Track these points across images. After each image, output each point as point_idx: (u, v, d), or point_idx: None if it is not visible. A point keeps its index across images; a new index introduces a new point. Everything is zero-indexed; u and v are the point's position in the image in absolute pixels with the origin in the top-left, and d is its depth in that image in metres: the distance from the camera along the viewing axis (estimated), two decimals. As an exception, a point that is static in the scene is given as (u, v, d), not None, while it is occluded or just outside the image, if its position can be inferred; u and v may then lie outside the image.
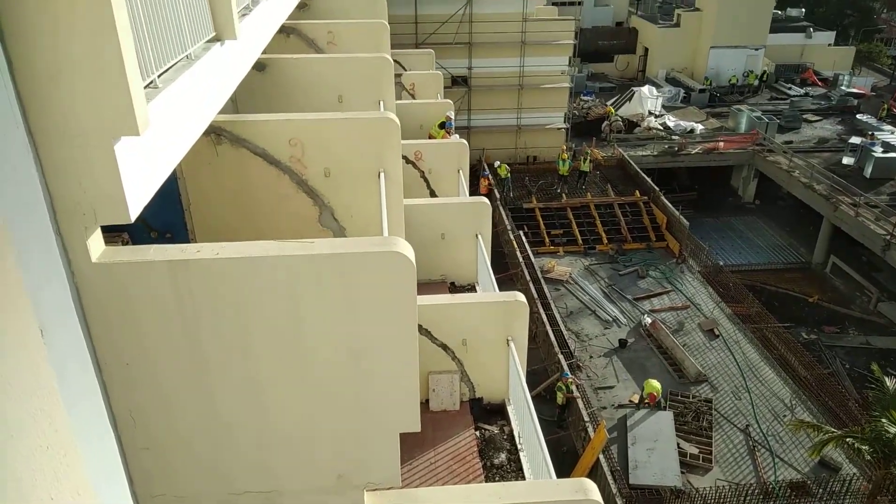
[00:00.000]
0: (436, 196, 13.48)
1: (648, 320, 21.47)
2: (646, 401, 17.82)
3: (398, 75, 15.95)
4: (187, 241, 6.79)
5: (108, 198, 3.59)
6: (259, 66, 8.88)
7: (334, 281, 4.32)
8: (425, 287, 11.38)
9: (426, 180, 13.56)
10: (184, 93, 4.59)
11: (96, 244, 3.88)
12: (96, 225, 3.75)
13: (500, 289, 11.27)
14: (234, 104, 8.66)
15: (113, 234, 6.19)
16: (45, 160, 3.42)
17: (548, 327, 19.86)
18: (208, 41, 5.56)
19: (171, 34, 4.57)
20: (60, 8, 3.20)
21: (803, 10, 56.55)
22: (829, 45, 49.10)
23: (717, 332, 21.35)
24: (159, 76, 4.33)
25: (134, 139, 3.64)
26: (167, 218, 6.64)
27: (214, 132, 6.43)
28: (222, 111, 6.11)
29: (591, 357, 20.42)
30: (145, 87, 3.93)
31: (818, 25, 50.60)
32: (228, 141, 6.54)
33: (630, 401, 18.35)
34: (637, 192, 28.76)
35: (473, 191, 19.12)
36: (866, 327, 24.66)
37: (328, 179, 7.21)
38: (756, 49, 43.48)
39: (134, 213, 3.72)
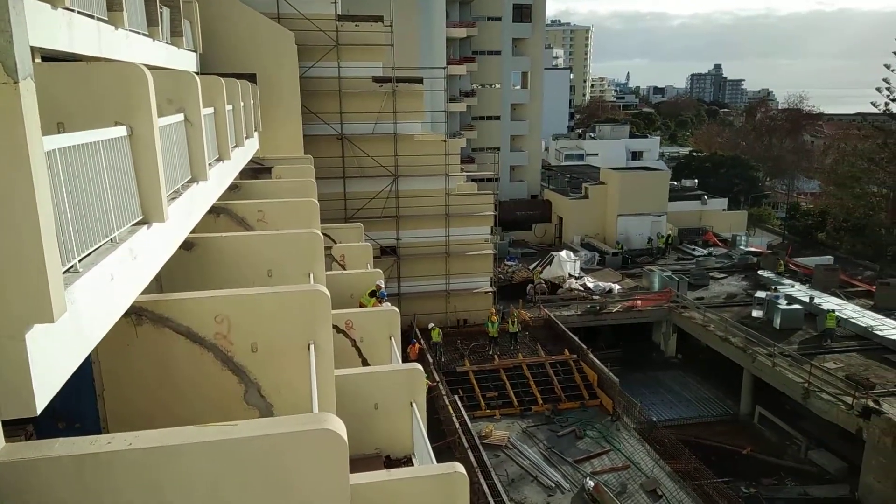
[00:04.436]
0: (368, 365, 13.24)
1: (591, 484, 20.85)
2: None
3: (328, 248, 16.29)
4: (99, 432, 6.30)
5: (14, 391, 3.35)
6: (187, 245, 8.91)
7: (260, 466, 4.05)
8: (359, 463, 10.77)
9: (358, 349, 13.36)
10: (105, 276, 4.51)
11: (-7, 442, 3.55)
12: (-4, 420, 3.46)
13: (438, 459, 10.79)
14: (159, 283, 8.54)
15: (15, 426, 5.69)
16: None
17: (490, 499, 18.89)
18: (135, 224, 5.59)
19: (96, 219, 4.59)
20: (-18, 198, 3.19)
21: (696, 180, 63.17)
22: (724, 209, 54.45)
23: (659, 492, 20.87)
24: (80, 260, 4.27)
25: (47, 326, 3.50)
26: (77, 406, 6.18)
27: (135, 313, 6.25)
28: (145, 291, 6.00)
29: (536, 529, 19.35)
30: (64, 272, 3.86)
31: (711, 193, 56.33)
32: (150, 321, 6.35)
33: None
34: (566, 350, 29.28)
35: (406, 357, 18.95)
36: (801, 476, 24.78)
37: (255, 355, 7.01)
38: (659, 215, 47.60)
39: (41, 405, 3.47)
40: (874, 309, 32.96)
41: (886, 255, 46.41)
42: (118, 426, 6.43)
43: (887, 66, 46.39)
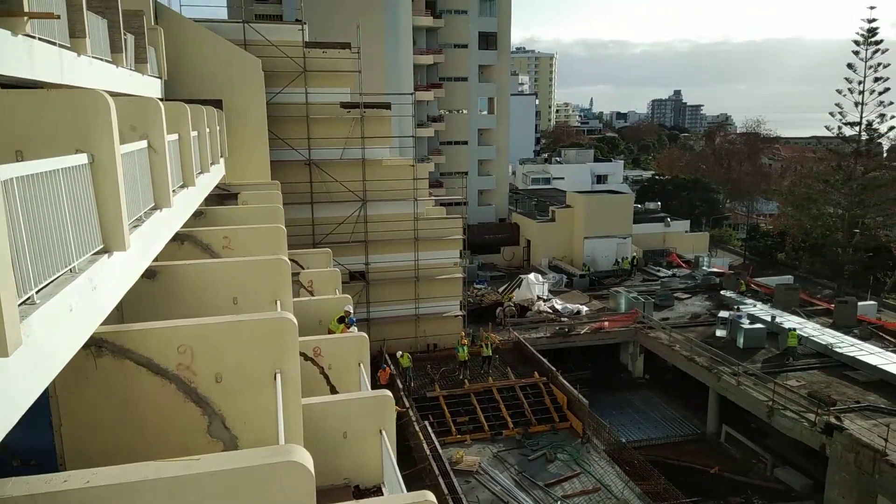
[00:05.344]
0: (337, 392, 13.06)
1: (562, 508, 20.79)
2: None
3: (295, 274, 16.12)
4: (56, 469, 6.07)
5: (-36, 428, 3.24)
6: (149, 274, 8.75)
7: (224, 501, 3.96)
8: (327, 494, 10.57)
9: (326, 377, 13.18)
10: (63, 307, 4.40)
11: (-59, 483, 3.41)
12: (-56, 460, 3.32)
13: (409, 487, 10.65)
14: (120, 313, 8.35)
15: (-36, 465, 5.48)
16: None
17: (460, 526, 18.69)
18: (95, 253, 5.48)
19: (54, 248, 4.49)
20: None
21: (659, 203, 64.52)
22: (686, 231, 55.65)
23: (631, 514, 20.91)
24: (37, 291, 4.17)
25: (1, 360, 3.39)
26: (33, 443, 5.96)
27: (95, 344, 6.09)
28: (106, 321, 5.86)
29: (508, 555, 19.15)
30: (20, 304, 3.75)
31: (674, 215, 57.54)
32: (110, 353, 6.19)
33: None
34: (536, 373, 29.33)
35: (376, 383, 18.76)
36: (768, 494, 25.06)
37: (219, 385, 6.87)
38: (624, 238, 48.43)
39: (-7, 443, 3.35)
40: (833, 327, 33.85)
41: (844, 274, 47.82)
42: (76, 463, 6.21)
43: (839, 92, 48.32)
